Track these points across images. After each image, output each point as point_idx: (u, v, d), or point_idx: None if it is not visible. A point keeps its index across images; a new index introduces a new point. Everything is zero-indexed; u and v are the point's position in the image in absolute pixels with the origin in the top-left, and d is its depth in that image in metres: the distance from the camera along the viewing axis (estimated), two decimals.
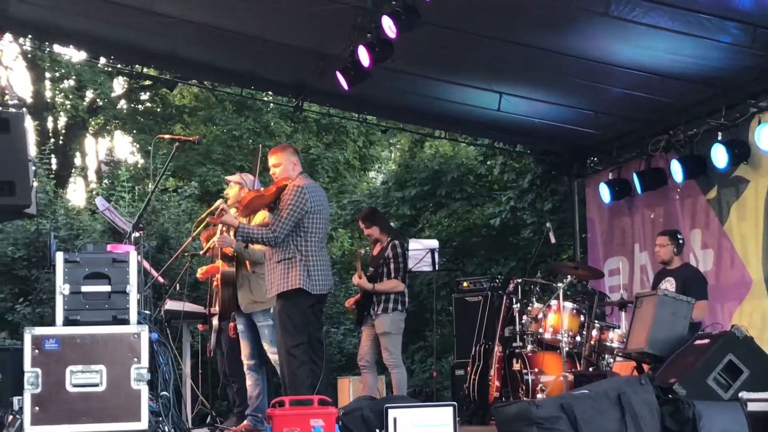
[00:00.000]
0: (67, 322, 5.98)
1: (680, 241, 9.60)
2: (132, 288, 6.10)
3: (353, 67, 10.24)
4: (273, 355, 8.44)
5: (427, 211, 17.74)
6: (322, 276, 7.72)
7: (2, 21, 9.71)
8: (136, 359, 5.94)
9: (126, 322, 6.05)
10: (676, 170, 10.87)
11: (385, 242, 9.62)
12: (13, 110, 9.37)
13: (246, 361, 8.83)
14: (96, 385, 5.87)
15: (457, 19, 9.57)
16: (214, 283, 9.99)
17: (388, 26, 9.13)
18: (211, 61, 12.50)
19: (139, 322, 6.09)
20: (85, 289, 6.03)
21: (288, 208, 7.60)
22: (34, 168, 9.42)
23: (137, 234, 7.40)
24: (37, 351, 5.85)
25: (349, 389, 11.37)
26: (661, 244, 9.63)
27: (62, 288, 6.01)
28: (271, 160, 8.02)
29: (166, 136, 8.47)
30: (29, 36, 12.98)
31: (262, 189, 8.05)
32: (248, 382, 8.86)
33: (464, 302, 12.20)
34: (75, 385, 5.85)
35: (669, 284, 9.35)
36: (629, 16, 8.87)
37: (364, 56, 9.83)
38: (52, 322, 6.09)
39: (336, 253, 19.48)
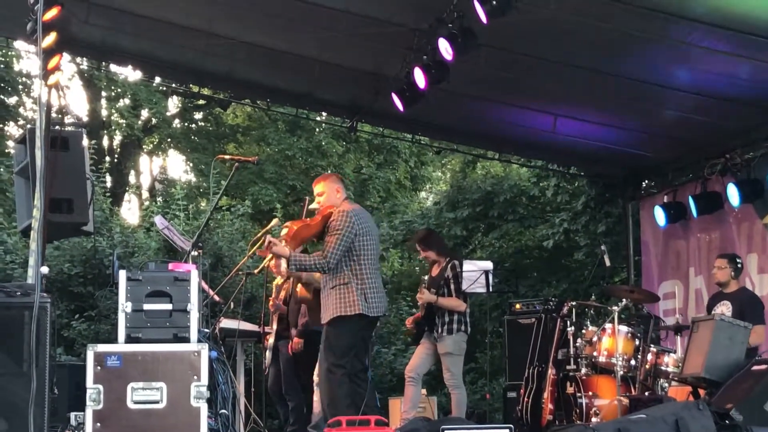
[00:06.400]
0: (129, 339, 6.01)
1: (739, 266, 9.51)
2: (193, 306, 6.13)
3: (409, 89, 10.27)
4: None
5: (479, 233, 17.68)
6: (378, 298, 7.73)
7: (62, 41, 9.81)
8: (196, 377, 5.96)
9: (186, 340, 6.08)
10: (733, 194, 10.81)
11: (444, 263, 9.63)
12: (72, 129, 9.52)
13: (317, 377, 8.76)
14: (156, 402, 5.90)
15: (512, 41, 9.59)
16: (270, 302, 10.06)
17: (445, 48, 9.12)
18: (267, 81, 12.58)
19: (199, 341, 6.13)
20: (147, 307, 6.06)
21: (337, 233, 7.61)
22: (91, 186, 9.57)
23: (195, 253, 7.47)
24: (99, 367, 5.89)
25: (400, 410, 11.34)
26: (719, 266, 9.55)
27: (125, 306, 6.05)
28: (316, 189, 8.06)
29: (226, 157, 8.54)
30: (87, 56, 13.15)
31: (308, 219, 8.06)
32: (315, 398, 8.87)
33: (516, 324, 12.09)
34: (136, 402, 5.88)
35: (725, 308, 9.27)
36: (687, 39, 8.85)
37: (420, 78, 9.85)
38: (107, 339, 6.14)
39: (387, 273, 19.43)
